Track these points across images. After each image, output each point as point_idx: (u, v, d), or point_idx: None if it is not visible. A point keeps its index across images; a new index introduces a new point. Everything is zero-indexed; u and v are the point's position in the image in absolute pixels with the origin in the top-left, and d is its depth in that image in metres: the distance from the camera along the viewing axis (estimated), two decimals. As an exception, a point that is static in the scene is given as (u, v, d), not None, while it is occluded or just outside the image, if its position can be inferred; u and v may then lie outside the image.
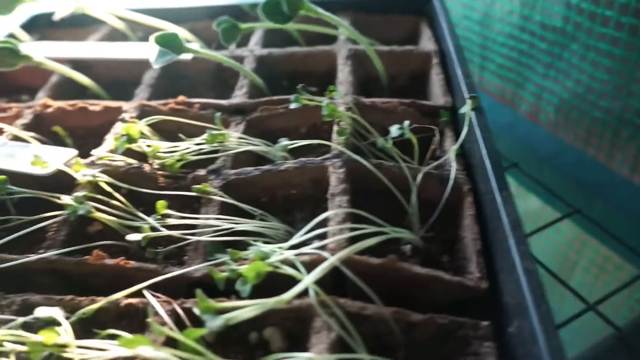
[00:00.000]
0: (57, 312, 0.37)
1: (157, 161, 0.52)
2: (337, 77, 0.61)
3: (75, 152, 0.53)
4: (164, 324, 0.37)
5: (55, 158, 0.51)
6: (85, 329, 0.39)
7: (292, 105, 0.51)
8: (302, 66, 0.67)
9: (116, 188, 0.49)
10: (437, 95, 0.59)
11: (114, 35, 0.78)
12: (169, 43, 0.55)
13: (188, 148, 0.52)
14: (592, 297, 0.57)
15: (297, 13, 0.55)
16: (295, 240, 0.41)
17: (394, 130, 0.46)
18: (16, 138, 0.57)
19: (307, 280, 0.37)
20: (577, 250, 0.67)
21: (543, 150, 0.75)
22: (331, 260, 0.38)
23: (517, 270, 0.37)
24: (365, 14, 0.75)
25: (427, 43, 0.67)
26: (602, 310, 0.52)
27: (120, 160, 0.51)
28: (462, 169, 0.49)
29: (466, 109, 0.52)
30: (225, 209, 0.48)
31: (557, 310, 0.57)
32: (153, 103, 0.59)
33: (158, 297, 0.40)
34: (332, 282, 0.40)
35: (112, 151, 0.53)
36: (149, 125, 0.56)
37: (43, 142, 0.57)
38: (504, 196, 0.42)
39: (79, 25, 0.77)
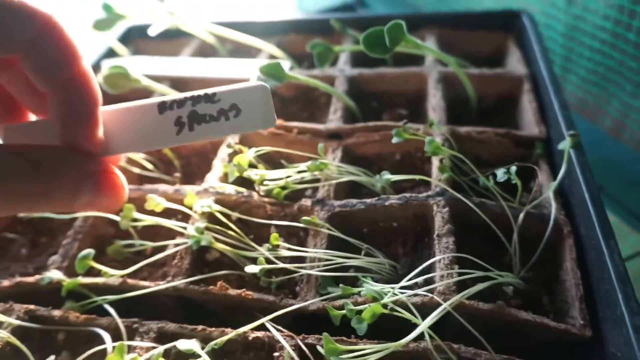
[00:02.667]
0: (195, 344, 0.41)
1: (263, 188, 0.55)
2: (429, 102, 0.62)
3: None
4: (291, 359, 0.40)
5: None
6: (216, 358, 0.43)
7: (394, 140, 0.52)
8: (392, 86, 0.68)
9: (227, 216, 0.53)
10: (530, 124, 0.60)
11: (204, 48, 0.81)
12: (273, 72, 0.57)
13: (290, 176, 0.55)
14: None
15: (397, 45, 0.56)
16: (405, 282, 0.44)
17: (500, 174, 0.47)
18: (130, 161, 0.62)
19: (424, 325, 0.40)
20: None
21: (628, 170, 0.75)
22: (445, 305, 0.41)
23: (627, 325, 0.39)
24: (450, 29, 0.75)
25: (516, 65, 0.67)
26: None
27: (231, 189, 0.55)
28: (561, 208, 0.50)
29: (565, 145, 0.53)
30: (333, 240, 0.51)
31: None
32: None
33: (281, 331, 0.44)
34: (443, 325, 0.43)
35: (221, 179, 0.56)
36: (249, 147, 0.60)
37: (154, 165, 0.62)
38: (610, 246, 0.44)
39: (170, 37, 0.80)
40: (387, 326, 0.41)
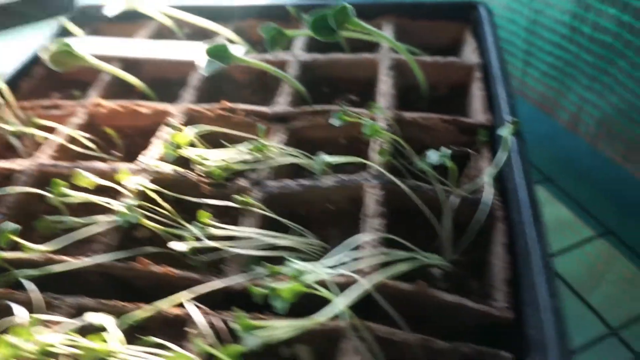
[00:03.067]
0: (108, 319, 0.40)
1: (202, 168, 0.54)
2: (379, 88, 0.62)
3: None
4: (204, 337, 0.40)
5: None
6: (129, 333, 0.42)
7: (334, 122, 0.52)
8: (345, 73, 0.68)
9: (162, 195, 0.52)
10: (477, 112, 0.59)
11: (162, 32, 0.80)
12: (219, 54, 0.56)
13: (231, 156, 0.55)
14: (612, 318, 0.57)
15: (343, 28, 0.56)
16: (329, 260, 0.43)
17: (433, 156, 0.47)
18: (72, 139, 0.61)
19: (341, 303, 0.39)
20: (604, 267, 0.67)
21: (581, 164, 0.75)
22: (366, 285, 0.40)
23: (544, 308, 0.38)
24: (409, 19, 0.75)
25: (470, 55, 0.67)
26: (624, 335, 0.52)
27: (168, 168, 0.54)
28: (497, 193, 0.50)
29: (506, 132, 0.52)
30: (264, 220, 0.50)
31: (577, 328, 0.58)
32: (199, 107, 0.62)
33: (200, 307, 0.43)
34: (361, 301, 0.42)
35: (160, 158, 0.55)
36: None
37: (95, 143, 0.61)
38: (537, 230, 0.43)
39: (128, 19, 0.79)
40: (314, 307, 0.40)
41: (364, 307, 0.43)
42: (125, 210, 0.48)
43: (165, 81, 0.71)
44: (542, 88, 0.82)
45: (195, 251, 0.49)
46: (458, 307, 0.42)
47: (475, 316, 0.42)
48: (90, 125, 0.63)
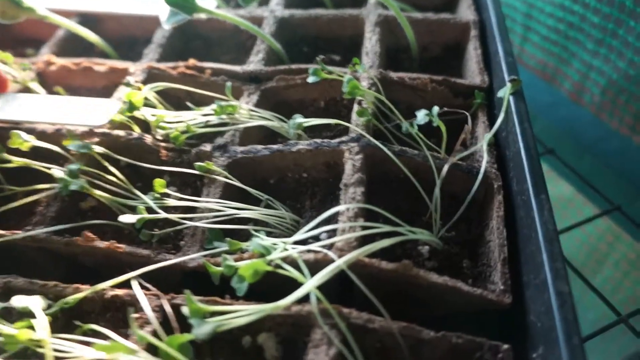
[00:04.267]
0: (35, 303, 0.34)
1: (161, 132, 0.48)
2: (364, 46, 0.55)
3: (119, 103, 0.49)
4: (148, 323, 0.34)
5: (103, 108, 0.48)
6: (68, 318, 0.36)
7: (310, 79, 0.46)
8: (327, 31, 0.61)
9: (115, 161, 0.45)
10: (473, 73, 0.53)
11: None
12: (182, 3, 0.50)
13: (194, 119, 0.48)
14: (615, 298, 0.52)
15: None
16: (300, 235, 0.37)
17: (421, 116, 0.41)
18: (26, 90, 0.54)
19: (309, 284, 0.33)
20: (609, 246, 0.61)
21: (584, 135, 0.69)
22: (338, 262, 0.34)
23: (549, 290, 0.32)
24: (399, -26, 0.68)
25: (466, 11, 0.60)
26: (633, 322, 0.47)
27: (121, 130, 0.47)
28: (494, 161, 0.44)
29: (505, 93, 0.46)
30: (230, 191, 0.44)
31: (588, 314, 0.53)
32: (162, 66, 0.55)
33: (147, 289, 0.37)
34: (340, 285, 0.36)
35: (112, 119, 0.49)
36: (156, 91, 0.52)
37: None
38: (540, 201, 0.37)
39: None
40: (280, 291, 0.34)
41: (339, 290, 0.38)
42: (67, 177, 0.42)
43: (129, 39, 0.64)
44: (543, 55, 0.75)
45: (150, 224, 0.43)
46: (448, 290, 0.36)
47: (468, 300, 0.36)
48: (42, 85, 0.56)
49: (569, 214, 0.69)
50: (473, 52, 0.54)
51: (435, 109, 0.40)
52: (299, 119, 0.46)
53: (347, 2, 0.65)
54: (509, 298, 0.36)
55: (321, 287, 0.34)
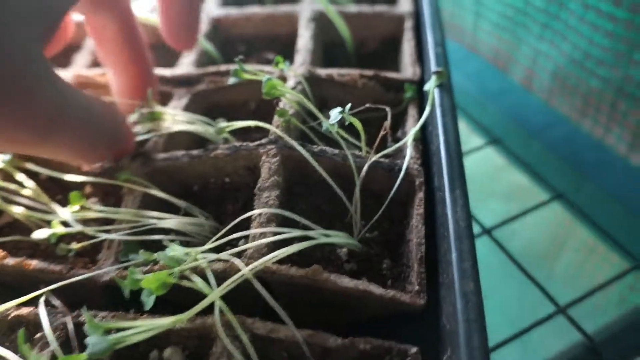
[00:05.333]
0: None
1: (83, 142, 0.47)
2: (296, 44, 0.54)
3: None
4: (48, 343, 0.33)
5: None
6: (-26, 339, 0.35)
7: (230, 81, 0.45)
8: (263, 29, 0.60)
9: (34, 173, 0.44)
10: (406, 66, 0.52)
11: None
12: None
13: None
14: (567, 293, 0.51)
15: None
16: (210, 244, 0.36)
17: (334, 114, 0.39)
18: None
19: (213, 295, 0.32)
20: (561, 237, 0.61)
21: (533, 122, 0.68)
22: (243, 271, 0.33)
23: (454, 291, 0.32)
24: (340, -34, 0.67)
25: (404, 3, 0.59)
26: (574, 314, 0.46)
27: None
28: (419, 157, 0.43)
29: (430, 85, 0.45)
30: (151, 199, 0.43)
31: (529, 306, 0.52)
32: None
33: (54, 307, 0.36)
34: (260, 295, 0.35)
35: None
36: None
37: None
38: (454, 197, 0.36)
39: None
40: (195, 300, 0.33)
41: (255, 301, 0.37)
42: (-23, 194, 0.41)
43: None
44: (495, 41, 0.74)
45: (68, 238, 0.42)
46: (360, 294, 0.35)
47: (382, 303, 0.35)
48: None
49: (527, 200, 0.68)
50: (406, 44, 0.53)
51: (348, 106, 0.39)
52: (221, 122, 0.45)
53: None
54: (422, 299, 0.35)
55: (239, 298, 0.33)
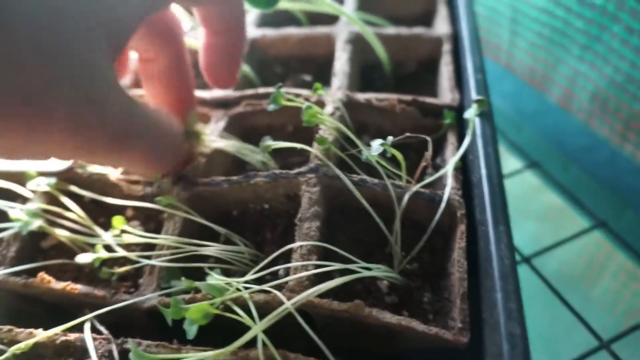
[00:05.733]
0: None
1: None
2: (333, 66, 0.54)
3: None
4: (95, 371, 0.33)
5: None
6: (23, 363, 0.36)
7: (270, 107, 0.45)
8: (299, 50, 0.60)
9: (78, 197, 0.45)
10: (444, 91, 0.52)
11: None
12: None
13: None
14: (606, 324, 0.50)
15: (281, -3, 0.48)
16: (252, 275, 0.36)
17: (375, 146, 0.39)
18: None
19: (256, 329, 0.33)
20: (600, 263, 0.59)
21: (572, 144, 0.67)
22: (286, 305, 0.33)
23: (500, 332, 0.31)
24: (375, -15, 0.67)
25: (441, 25, 0.59)
26: (616, 349, 0.45)
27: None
28: (460, 187, 0.43)
29: (471, 114, 0.45)
30: (191, 225, 0.43)
31: (566, 337, 0.51)
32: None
33: (99, 332, 0.37)
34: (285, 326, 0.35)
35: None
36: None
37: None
38: (498, 233, 0.36)
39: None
40: (238, 329, 0.34)
41: (297, 333, 0.37)
42: (25, 217, 0.42)
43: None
44: (531, 60, 0.73)
45: (111, 262, 0.43)
46: (403, 330, 0.35)
47: (424, 339, 0.35)
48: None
49: (564, 224, 0.67)
50: (444, 69, 0.53)
51: (390, 138, 0.39)
52: (267, 141, 0.45)
53: (323, 18, 0.63)
54: (465, 337, 0.34)
55: (280, 329, 0.33)
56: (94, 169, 0.47)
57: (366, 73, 0.58)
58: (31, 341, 0.36)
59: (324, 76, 0.59)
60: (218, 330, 0.34)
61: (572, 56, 0.66)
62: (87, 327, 0.36)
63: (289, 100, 0.45)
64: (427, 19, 0.66)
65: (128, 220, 0.46)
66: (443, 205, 0.40)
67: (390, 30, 0.58)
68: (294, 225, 0.43)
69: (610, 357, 0.45)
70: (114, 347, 0.35)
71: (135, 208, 0.46)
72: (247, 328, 0.33)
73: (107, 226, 0.44)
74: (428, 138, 0.43)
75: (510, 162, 0.66)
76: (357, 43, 0.57)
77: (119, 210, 0.46)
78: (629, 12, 0.55)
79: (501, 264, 0.34)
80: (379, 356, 0.34)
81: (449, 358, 0.37)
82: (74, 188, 0.45)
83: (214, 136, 0.48)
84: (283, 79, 0.59)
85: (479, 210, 0.40)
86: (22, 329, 0.37)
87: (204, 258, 0.42)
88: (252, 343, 0.33)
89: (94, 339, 0.36)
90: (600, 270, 0.61)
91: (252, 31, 0.61)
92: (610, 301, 0.59)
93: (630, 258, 0.57)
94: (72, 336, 0.36)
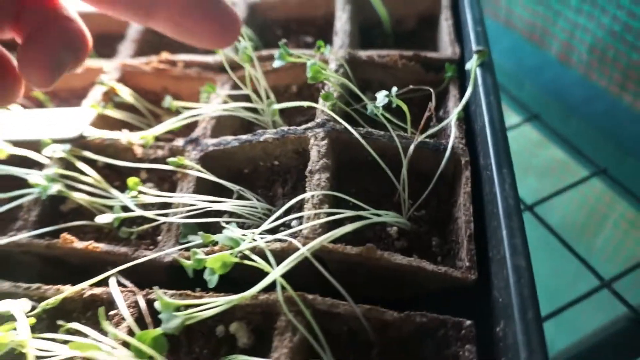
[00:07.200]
0: (17, 306, 0.36)
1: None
2: (334, 26, 0.55)
3: (94, 110, 0.50)
4: (123, 319, 0.35)
5: (77, 118, 0.49)
6: (52, 318, 0.38)
7: (275, 64, 0.46)
8: (299, 12, 0.61)
9: (92, 161, 0.47)
10: (445, 45, 0.52)
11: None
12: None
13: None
14: (611, 267, 0.52)
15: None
16: (267, 225, 0.38)
17: (380, 97, 0.40)
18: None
19: (274, 273, 0.34)
20: (602, 211, 0.61)
21: (572, 97, 0.68)
22: (302, 250, 0.35)
23: (506, 266, 0.33)
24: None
25: (439, -20, 0.59)
26: (618, 288, 0.47)
27: (95, 131, 0.48)
28: (463, 136, 0.44)
29: (472, 65, 0.46)
30: (204, 184, 0.45)
31: (570, 283, 0.53)
32: (135, 62, 0.55)
33: (124, 286, 0.38)
34: (316, 273, 0.37)
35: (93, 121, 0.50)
36: (131, 86, 0.53)
37: (25, 108, 0.55)
38: (502, 175, 0.37)
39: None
40: (255, 280, 0.35)
41: (312, 279, 0.39)
42: (43, 182, 0.43)
43: (106, 37, 0.65)
44: (530, 15, 0.74)
45: (128, 221, 0.44)
46: (414, 270, 0.36)
47: (435, 279, 0.37)
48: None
49: (566, 175, 0.68)
50: (444, 23, 0.54)
51: (394, 89, 0.40)
52: (275, 105, 0.46)
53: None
54: (473, 275, 0.36)
55: (296, 276, 0.35)
56: (106, 134, 0.48)
57: (366, 31, 0.59)
58: (60, 296, 0.38)
59: (324, 37, 0.59)
60: (234, 283, 0.36)
61: (570, 8, 0.66)
62: (112, 280, 0.37)
63: (296, 57, 0.46)
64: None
65: (142, 182, 0.47)
66: (448, 153, 0.42)
67: (389, -13, 0.58)
68: (304, 180, 0.45)
69: (612, 295, 0.47)
70: (139, 297, 0.37)
71: (148, 170, 0.48)
72: (260, 278, 0.34)
73: (122, 189, 0.45)
74: (431, 89, 0.44)
75: (511, 116, 0.67)
76: (357, 1, 0.57)
77: (133, 173, 0.47)
78: (626, -40, 0.56)
79: (505, 203, 0.35)
80: (391, 303, 0.36)
81: (457, 301, 0.39)
82: (87, 153, 0.47)
83: (221, 99, 0.49)
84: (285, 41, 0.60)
85: (483, 156, 0.41)
86: (50, 286, 0.39)
87: (218, 214, 0.43)
88: (270, 288, 0.34)
89: (120, 292, 0.37)
90: (603, 219, 0.63)
91: (252, -6, 0.61)
92: (612, 247, 0.61)
93: (632, 206, 0.59)
94: (98, 290, 0.38)
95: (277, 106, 0.46)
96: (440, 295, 0.40)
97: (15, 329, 0.35)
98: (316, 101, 0.50)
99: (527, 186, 0.64)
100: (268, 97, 0.48)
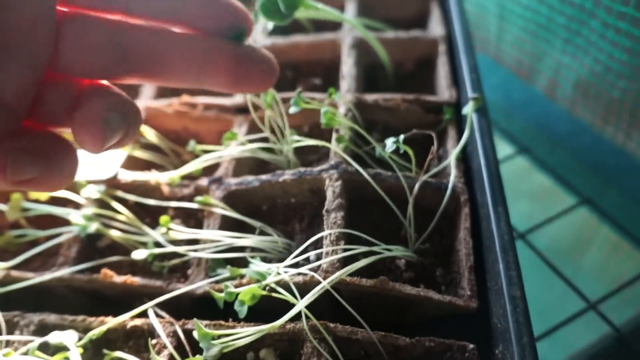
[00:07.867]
0: (68, 337, 0.40)
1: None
2: (341, 70, 0.60)
3: (125, 152, 0.54)
4: (164, 347, 0.39)
5: (110, 160, 0.53)
6: (97, 347, 0.42)
7: (291, 110, 0.50)
8: (307, 55, 0.66)
9: (123, 200, 0.51)
10: (442, 89, 0.58)
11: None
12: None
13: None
14: (595, 290, 0.57)
15: (295, 11, 0.54)
16: (290, 260, 0.42)
17: (389, 143, 0.45)
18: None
19: (300, 305, 0.39)
20: (587, 238, 0.66)
21: (558, 130, 0.73)
22: (323, 284, 0.40)
23: (504, 296, 0.38)
24: (373, -9, 0.72)
25: (435, 27, 0.65)
26: (603, 309, 0.52)
27: (126, 174, 0.53)
28: (462, 175, 0.49)
29: (468, 110, 0.51)
30: (228, 220, 0.49)
31: (559, 304, 0.58)
32: (157, 104, 0.60)
33: (162, 317, 0.43)
34: (331, 301, 0.41)
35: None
36: (154, 126, 0.58)
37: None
38: (497, 214, 0.42)
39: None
40: (277, 309, 0.40)
41: (327, 306, 0.43)
42: (82, 221, 0.47)
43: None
44: (518, 53, 0.79)
45: (160, 256, 0.48)
46: (421, 299, 0.41)
47: (440, 307, 0.41)
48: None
49: (553, 202, 0.74)
50: (441, 68, 0.59)
51: (401, 137, 0.45)
52: (291, 142, 0.51)
53: (327, 25, 0.69)
54: (474, 303, 0.41)
55: (314, 304, 0.39)
56: (138, 175, 0.52)
57: (370, 73, 0.64)
58: (104, 327, 0.42)
59: (331, 77, 0.65)
60: (260, 313, 0.40)
61: (555, 49, 0.72)
62: (151, 312, 0.42)
63: (307, 103, 0.51)
64: (421, 20, 0.71)
65: (170, 219, 0.52)
66: (449, 191, 0.47)
67: (390, 34, 0.63)
68: (319, 216, 0.49)
69: (598, 317, 0.52)
70: (177, 327, 0.41)
71: (175, 208, 0.52)
72: (285, 307, 0.39)
73: (152, 225, 0.49)
74: (433, 134, 0.49)
75: (502, 148, 0.73)
76: (361, 47, 0.63)
77: (161, 210, 0.52)
78: (604, 9, 0.61)
79: (501, 239, 0.40)
80: (396, 327, 0.40)
81: (459, 325, 0.44)
82: (120, 193, 0.51)
83: (238, 140, 0.54)
84: (294, 82, 0.65)
85: (480, 195, 0.46)
86: (93, 318, 0.43)
87: (241, 249, 0.48)
88: (295, 317, 0.39)
89: (159, 322, 0.41)
90: (588, 243, 0.68)
91: (263, 40, 0.66)
92: (597, 270, 0.66)
93: (614, 231, 0.64)
94: (139, 321, 0.42)
95: (295, 145, 0.51)
96: (443, 320, 0.44)
97: (67, 358, 0.39)
98: (325, 139, 0.55)
99: (518, 211, 0.69)
100: (284, 137, 0.53)
